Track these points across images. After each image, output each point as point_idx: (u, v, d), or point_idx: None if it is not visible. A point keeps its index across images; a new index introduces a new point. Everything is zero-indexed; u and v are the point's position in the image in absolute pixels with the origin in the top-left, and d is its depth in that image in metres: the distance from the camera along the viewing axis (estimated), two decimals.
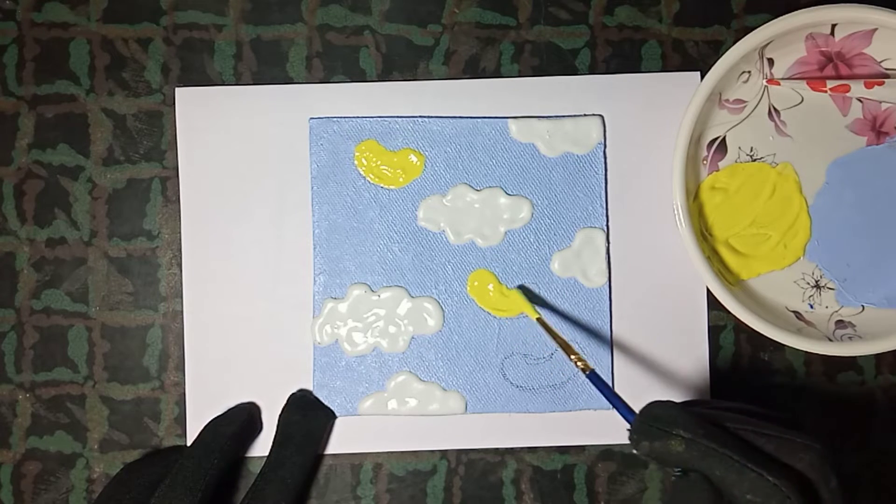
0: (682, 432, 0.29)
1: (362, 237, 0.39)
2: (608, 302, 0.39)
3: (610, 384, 0.33)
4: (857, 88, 0.37)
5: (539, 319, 0.36)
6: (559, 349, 0.35)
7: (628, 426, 0.31)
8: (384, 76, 0.39)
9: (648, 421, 0.30)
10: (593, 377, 0.33)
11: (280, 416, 0.38)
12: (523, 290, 0.39)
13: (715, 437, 0.29)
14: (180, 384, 0.39)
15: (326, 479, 0.39)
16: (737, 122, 0.38)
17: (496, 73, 0.39)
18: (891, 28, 0.35)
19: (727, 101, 0.38)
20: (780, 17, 0.35)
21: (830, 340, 0.36)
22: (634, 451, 0.30)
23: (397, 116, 0.39)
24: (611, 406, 0.38)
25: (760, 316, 0.35)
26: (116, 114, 0.39)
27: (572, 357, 0.34)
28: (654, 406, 0.31)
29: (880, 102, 0.38)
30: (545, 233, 0.39)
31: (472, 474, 0.39)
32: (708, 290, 0.39)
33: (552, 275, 0.39)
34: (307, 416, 0.38)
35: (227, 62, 0.39)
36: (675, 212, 0.36)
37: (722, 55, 0.35)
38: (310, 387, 0.39)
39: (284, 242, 0.39)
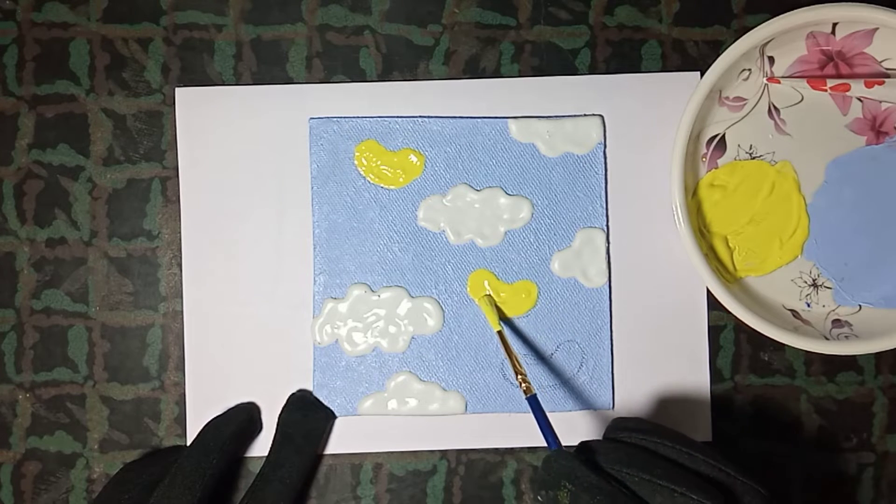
0: (568, 484, 0.30)
1: (362, 237, 0.39)
2: (608, 302, 0.39)
3: (546, 413, 0.34)
4: (858, 88, 0.37)
5: (500, 333, 0.37)
6: (509, 363, 0.36)
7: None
8: (384, 76, 0.39)
9: (547, 470, 0.31)
10: (532, 401, 0.34)
11: (280, 416, 0.38)
12: (490, 299, 0.39)
13: (598, 491, 0.30)
14: (180, 384, 0.39)
15: (326, 479, 0.39)
16: (736, 120, 0.38)
17: (496, 73, 0.39)
18: (891, 28, 0.35)
19: (727, 98, 0.38)
20: (782, 15, 0.35)
21: (827, 339, 0.36)
22: (538, 499, 0.32)
23: (397, 116, 0.39)
24: (611, 406, 0.39)
25: (757, 314, 0.35)
26: (116, 114, 0.39)
27: (518, 377, 0.35)
28: (551, 456, 0.32)
29: (880, 102, 0.38)
30: (545, 233, 0.39)
31: (472, 474, 0.39)
32: (708, 290, 0.39)
33: (552, 275, 0.39)
34: (307, 416, 0.38)
35: (227, 62, 0.39)
36: (674, 207, 0.36)
37: (722, 53, 0.35)
38: (310, 387, 0.39)
39: (284, 242, 0.39)
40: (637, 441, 0.33)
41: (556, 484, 0.30)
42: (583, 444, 0.33)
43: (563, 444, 0.39)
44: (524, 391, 0.35)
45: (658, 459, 0.32)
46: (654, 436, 0.33)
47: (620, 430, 0.35)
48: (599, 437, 0.38)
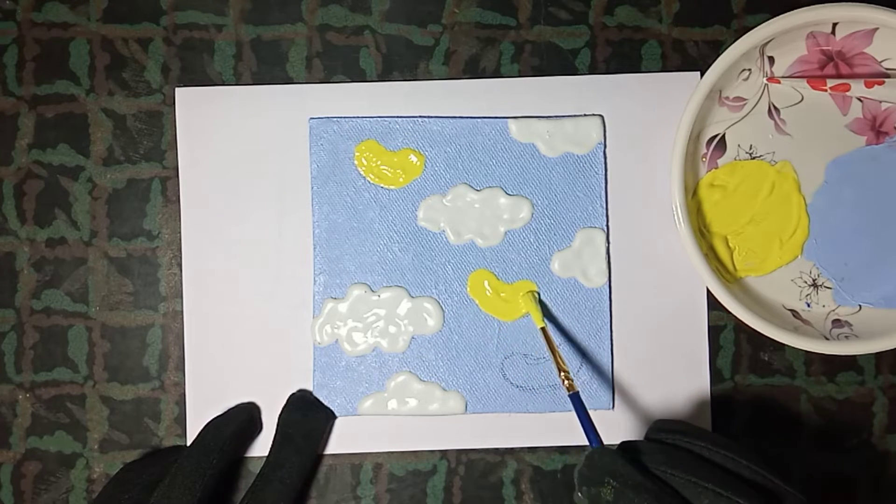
0: (612, 481, 0.30)
1: (362, 237, 0.39)
2: (608, 302, 0.39)
3: (587, 411, 0.34)
4: (858, 88, 0.37)
5: (543, 329, 0.37)
6: (553, 360, 0.36)
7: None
8: (384, 76, 0.39)
9: (590, 466, 0.31)
10: (575, 399, 0.34)
11: (280, 416, 0.38)
12: (533, 296, 0.39)
13: (643, 489, 0.29)
14: (180, 384, 0.39)
15: (326, 479, 0.39)
16: (736, 120, 0.38)
17: (496, 73, 0.39)
18: (892, 28, 0.35)
19: (727, 98, 0.38)
20: (782, 15, 0.35)
21: (827, 339, 0.36)
22: (579, 494, 0.32)
23: (397, 116, 0.39)
24: (611, 406, 0.39)
25: (757, 314, 0.35)
26: (116, 114, 0.39)
27: (562, 374, 0.35)
28: (595, 452, 0.32)
29: (880, 102, 0.38)
30: (545, 233, 0.39)
31: (472, 474, 0.39)
32: (708, 290, 0.39)
33: (552, 275, 0.39)
34: (307, 416, 0.38)
35: (227, 62, 0.39)
36: (674, 207, 0.36)
37: (722, 53, 0.35)
38: (310, 387, 0.39)
39: (284, 242, 0.39)
40: (681, 443, 0.33)
41: (600, 480, 0.30)
42: (625, 443, 0.33)
43: (565, 443, 0.39)
44: (567, 388, 0.34)
45: (703, 462, 0.32)
46: (697, 439, 0.33)
47: (663, 432, 0.35)
48: (604, 438, 0.39)
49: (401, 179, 0.39)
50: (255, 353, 0.39)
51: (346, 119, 0.39)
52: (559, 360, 0.35)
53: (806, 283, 0.38)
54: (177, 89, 0.39)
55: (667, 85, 0.39)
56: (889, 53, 0.37)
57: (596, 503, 0.30)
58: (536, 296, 0.39)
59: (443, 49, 0.39)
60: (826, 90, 0.37)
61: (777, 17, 0.35)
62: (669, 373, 0.39)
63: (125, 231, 0.39)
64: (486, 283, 0.39)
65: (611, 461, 0.31)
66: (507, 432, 0.39)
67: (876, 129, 0.38)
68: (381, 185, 0.39)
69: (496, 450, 0.39)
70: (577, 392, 0.34)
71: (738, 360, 0.39)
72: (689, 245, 0.36)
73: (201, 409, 0.38)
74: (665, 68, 0.39)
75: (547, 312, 0.39)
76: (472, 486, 0.39)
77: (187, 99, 0.39)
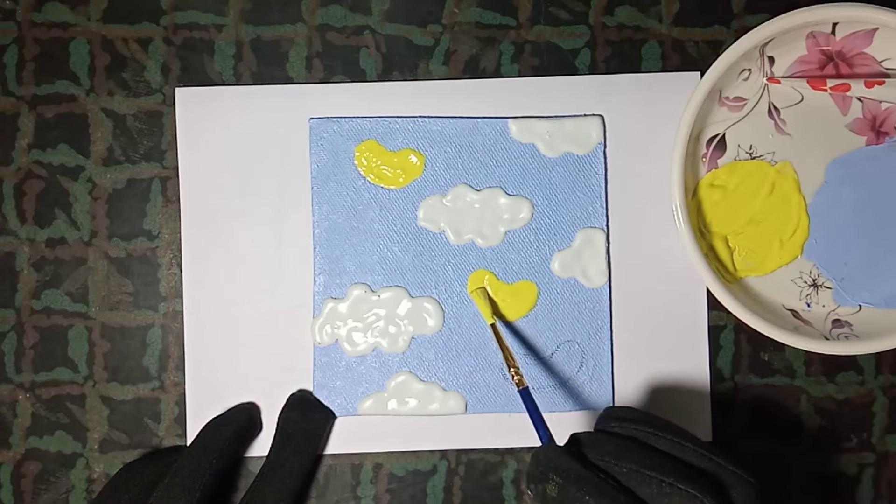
0: (556, 477, 0.30)
1: (362, 237, 0.39)
2: (608, 302, 0.39)
3: (538, 406, 0.34)
4: (858, 88, 0.37)
5: (493, 326, 0.37)
6: (502, 356, 0.36)
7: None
8: (384, 76, 0.39)
9: (536, 464, 0.31)
10: (524, 394, 0.34)
11: (280, 416, 0.38)
12: (483, 292, 0.39)
13: (586, 483, 0.29)
14: (180, 384, 0.39)
15: (326, 479, 0.39)
16: (736, 120, 0.38)
17: (496, 73, 0.39)
18: (892, 28, 0.35)
19: (727, 98, 0.38)
20: (781, 16, 0.35)
21: (827, 339, 0.36)
22: (529, 493, 0.32)
23: (397, 116, 0.39)
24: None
25: (757, 314, 0.35)
26: (116, 114, 0.39)
27: (511, 370, 0.35)
28: (540, 450, 0.32)
29: (880, 102, 0.38)
30: (545, 233, 0.39)
31: (472, 474, 0.39)
32: (708, 290, 0.39)
33: (552, 275, 0.39)
34: (307, 417, 0.38)
35: (227, 62, 0.39)
36: (674, 207, 0.36)
37: (722, 53, 0.35)
38: (310, 387, 0.39)
39: (284, 242, 0.39)
40: (627, 432, 0.33)
41: (545, 477, 0.30)
42: (573, 436, 0.33)
43: (565, 443, 0.39)
44: (516, 384, 0.35)
45: (647, 450, 0.32)
46: (644, 425, 0.33)
47: (611, 420, 0.34)
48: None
49: (401, 179, 0.39)
50: (255, 353, 0.39)
51: (346, 119, 0.39)
52: (508, 356, 0.36)
53: (806, 283, 0.38)
54: (177, 89, 0.39)
55: (667, 85, 0.39)
56: (889, 53, 0.37)
57: (543, 500, 0.30)
58: (486, 292, 0.39)
59: (443, 49, 0.39)
60: (826, 90, 0.37)
61: (777, 17, 0.35)
62: (669, 373, 0.39)
63: (125, 231, 0.39)
64: (486, 283, 0.39)
65: (555, 457, 0.31)
66: (507, 432, 0.39)
67: (876, 129, 0.38)
68: (381, 185, 0.39)
69: (496, 450, 0.39)
70: (527, 387, 0.35)
71: (738, 360, 0.39)
72: (689, 245, 0.36)
73: (201, 409, 0.38)
74: (665, 68, 0.39)
75: (548, 312, 0.39)
76: (472, 486, 0.39)
77: (187, 99, 0.39)
